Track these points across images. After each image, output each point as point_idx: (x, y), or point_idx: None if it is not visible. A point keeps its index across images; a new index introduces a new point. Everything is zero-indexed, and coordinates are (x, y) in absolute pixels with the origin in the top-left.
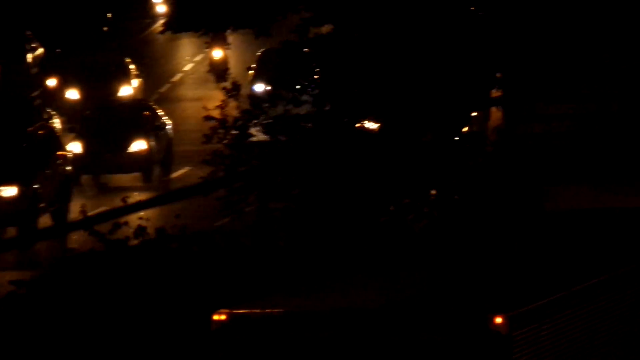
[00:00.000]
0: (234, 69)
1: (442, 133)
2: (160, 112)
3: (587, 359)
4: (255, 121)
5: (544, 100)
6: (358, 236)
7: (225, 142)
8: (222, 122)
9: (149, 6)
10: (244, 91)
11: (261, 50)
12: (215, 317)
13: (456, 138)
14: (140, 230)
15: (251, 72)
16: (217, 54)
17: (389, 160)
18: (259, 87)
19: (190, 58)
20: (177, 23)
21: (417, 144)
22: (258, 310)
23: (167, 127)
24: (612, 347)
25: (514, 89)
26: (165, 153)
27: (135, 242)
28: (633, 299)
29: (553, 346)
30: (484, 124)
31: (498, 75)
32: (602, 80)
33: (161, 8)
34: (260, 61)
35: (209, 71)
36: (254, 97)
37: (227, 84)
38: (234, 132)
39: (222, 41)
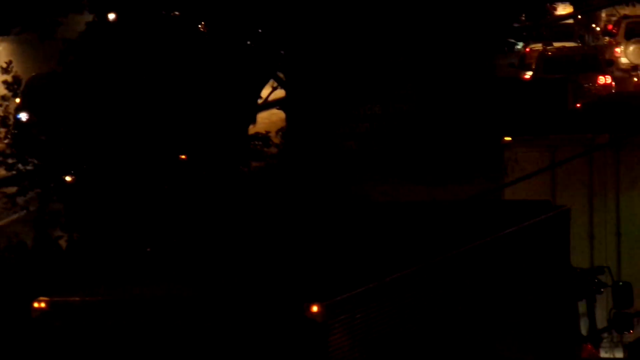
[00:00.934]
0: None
1: (223, 136)
2: None
3: (399, 346)
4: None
5: (346, 101)
6: (138, 233)
7: (6, 141)
8: (3, 120)
9: None
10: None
11: (30, 75)
12: (36, 305)
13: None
14: None
15: (17, 99)
16: None
17: (159, 166)
18: (25, 116)
19: None
20: None
21: (196, 146)
22: (78, 298)
23: None
24: (424, 335)
25: (298, 90)
26: None
27: None
28: (443, 289)
29: (366, 334)
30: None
31: (281, 76)
32: (405, 82)
33: None
34: (28, 88)
35: None
36: (20, 124)
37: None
38: (15, 131)
39: None
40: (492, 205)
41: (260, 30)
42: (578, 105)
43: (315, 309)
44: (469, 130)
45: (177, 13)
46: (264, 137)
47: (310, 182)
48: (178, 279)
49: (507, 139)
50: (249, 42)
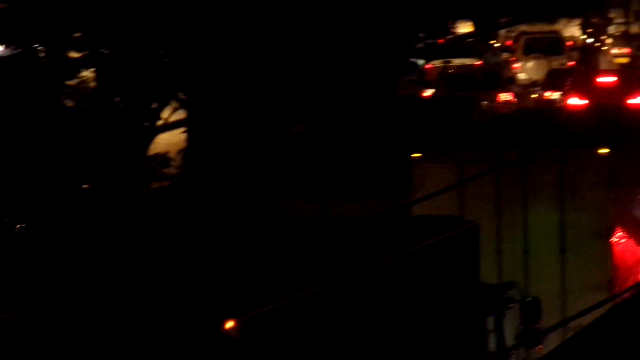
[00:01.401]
0: None
1: (119, 158)
2: None
3: None
4: None
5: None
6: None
7: None
8: None
9: None
10: None
11: None
12: None
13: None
14: None
15: None
16: None
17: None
18: None
19: None
20: None
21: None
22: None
23: None
24: (341, 351)
25: (200, 111)
26: None
27: None
28: (357, 304)
29: (282, 350)
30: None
31: (183, 97)
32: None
33: None
34: None
35: None
36: None
37: None
38: None
39: None
40: (403, 220)
41: (159, 53)
42: (483, 121)
43: (230, 324)
44: (376, 147)
45: (79, 34)
46: (163, 159)
47: (215, 200)
48: (89, 299)
49: (416, 155)
50: (147, 65)
